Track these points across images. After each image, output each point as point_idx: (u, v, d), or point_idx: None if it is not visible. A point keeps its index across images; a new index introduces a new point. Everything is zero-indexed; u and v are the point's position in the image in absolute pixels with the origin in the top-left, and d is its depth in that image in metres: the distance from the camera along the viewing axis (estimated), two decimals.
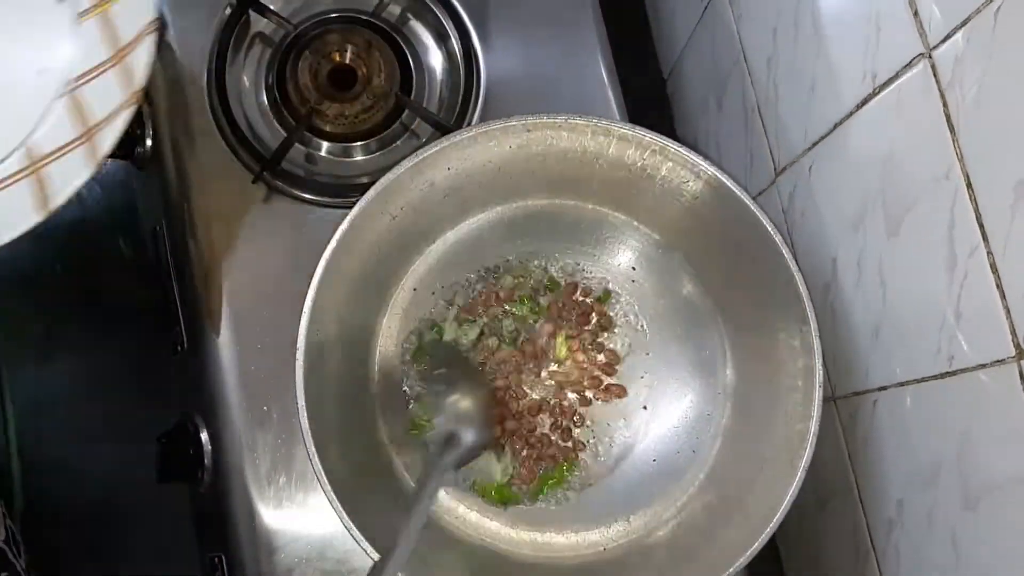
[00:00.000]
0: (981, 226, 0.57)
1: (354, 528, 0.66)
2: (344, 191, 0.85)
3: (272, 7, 0.88)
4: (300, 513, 0.81)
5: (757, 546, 0.67)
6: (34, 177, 0.67)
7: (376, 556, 0.66)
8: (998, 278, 0.56)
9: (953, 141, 0.58)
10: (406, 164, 0.71)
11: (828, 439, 0.82)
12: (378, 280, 0.77)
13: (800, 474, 0.69)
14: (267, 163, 0.83)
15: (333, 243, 0.69)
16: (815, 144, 0.75)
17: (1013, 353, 0.56)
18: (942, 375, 0.64)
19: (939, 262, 0.61)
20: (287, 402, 0.80)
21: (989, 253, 0.57)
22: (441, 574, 0.70)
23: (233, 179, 0.86)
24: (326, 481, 0.66)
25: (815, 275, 0.76)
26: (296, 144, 0.87)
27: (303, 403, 0.68)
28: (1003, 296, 0.56)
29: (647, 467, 0.78)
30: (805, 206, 0.79)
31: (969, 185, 0.58)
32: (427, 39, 0.92)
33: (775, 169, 0.83)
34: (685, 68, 1.03)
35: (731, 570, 0.67)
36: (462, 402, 0.73)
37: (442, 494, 0.77)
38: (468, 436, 0.71)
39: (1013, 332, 0.56)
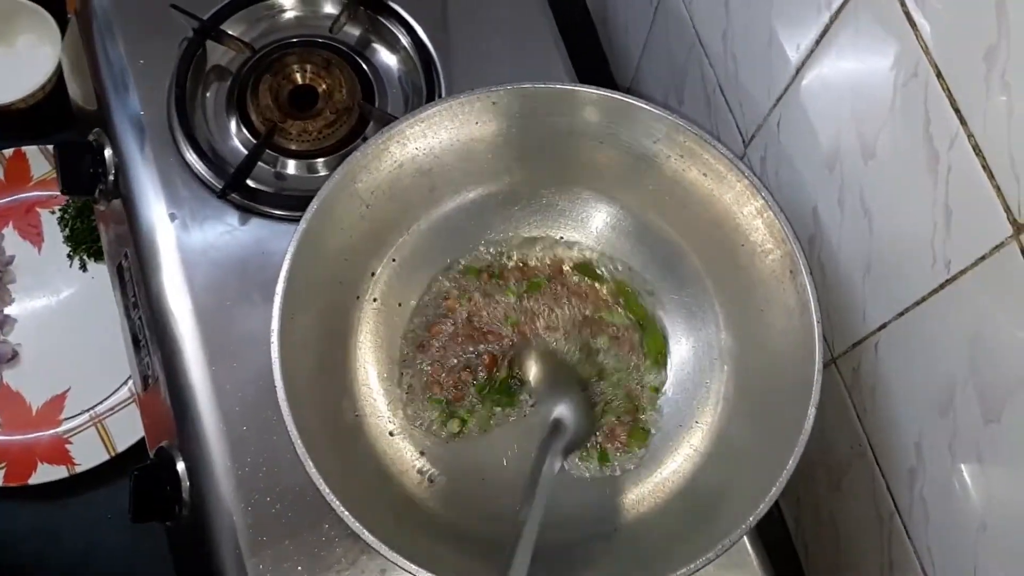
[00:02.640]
0: (957, 112, 0.56)
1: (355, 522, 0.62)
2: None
3: (231, 32, 0.89)
4: (293, 547, 0.75)
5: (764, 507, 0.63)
6: None
7: (373, 542, 0.62)
8: (983, 159, 0.55)
9: (916, 36, 0.58)
10: (372, 142, 0.70)
11: (833, 408, 0.79)
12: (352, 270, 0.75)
13: (807, 424, 0.65)
14: (232, 180, 0.82)
15: (304, 223, 0.67)
16: (779, 98, 0.75)
17: (1010, 232, 0.54)
18: (942, 286, 0.61)
19: (920, 165, 0.60)
20: (266, 422, 0.78)
21: (970, 136, 0.56)
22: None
23: (201, 202, 0.85)
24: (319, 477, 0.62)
25: (799, 232, 0.75)
26: (264, 164, 0.86)
27: (286, 407, 0.64)
28: (991, 176, 0.55)
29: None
30: (779, 165, 0.78)
31: (939, 75, 0.57)
32: (386, 54, 0.93)
33: (744, 141, 0.83)
34: (643, 75, 1.04)
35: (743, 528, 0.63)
36: (569, 390, 0.71)
37: None
38: (573, 424, 0.69)
39: (1007, 209, 0.54)
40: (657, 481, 0.72)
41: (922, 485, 0.69)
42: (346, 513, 0.62)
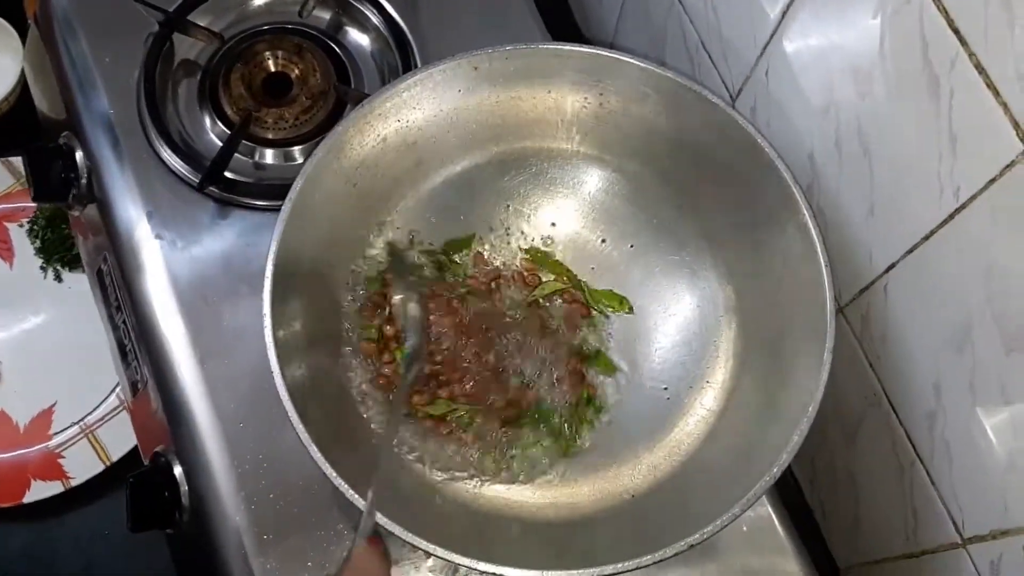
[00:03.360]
0: (956, 32, 0.55)
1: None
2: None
3: (199, 23, 0.86)
4: (300, 543, 0.72)
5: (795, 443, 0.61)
6: None
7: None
8: (987, 77, 0.53)
9: None
10: (353, 116, 0.67)
11: (844, 360, 0.77)
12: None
13: (824, 370, 0.63)
14: (209, 173, 0.80)
15: (290, 198, 0.65)
16: (765, 47, 0.73)
17: (1021, 149, 0.52)
18: (951, 216, 0.60)
19: (920, 93, 0.59)
20: (263, 416, 0.75)
21: (971, 55, 0.54)
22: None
23: (179, 198, 0.82)
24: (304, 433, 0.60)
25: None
26: (241, 156, 0.84)
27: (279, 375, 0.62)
28: (996, 93, 0.53)
29: (659, 398, 0.72)
30: (770, 116, 0.76)
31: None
32: (358, 35, 0.91)
33: (732, 96, 0.81)
34: (621, 41, 1.02)
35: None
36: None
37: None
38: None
39: (1016, 126, 0.52)
40: (671, 445, 0.70)
41: (943, 428, 0.67)
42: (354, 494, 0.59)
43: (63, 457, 1.05)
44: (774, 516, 0.77)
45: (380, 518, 0.58)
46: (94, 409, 1.07)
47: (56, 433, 1.07)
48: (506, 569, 0.57)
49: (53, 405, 1.08)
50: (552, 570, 0.57)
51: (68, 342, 1.10)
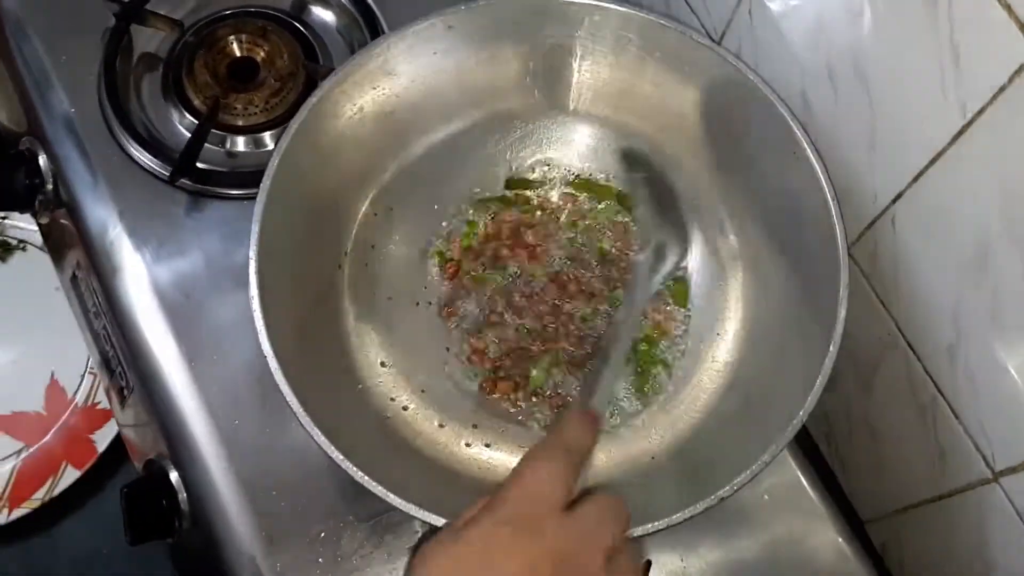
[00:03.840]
0: None
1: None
2: None
3: (159, 12, 0.83)
4: (309, 540, 0.69)
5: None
6: None
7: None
8: None
9: None
10: (326, 86, 0.64)
11: (855, 303, 0.74)
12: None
13: (842, 307, 0.61)
14: (180, 165, 0.76)
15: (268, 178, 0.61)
16: None
17: None
18: (959, 133, 0.57)
19: (916, 6, 0.56)
20: (259, 413, 0.72)
21: None
22: None
23: (151, 194, 0.79)
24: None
25: None
26: (212, 145, 0.81)
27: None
28: None
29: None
30: (756, 57, 0.74)
31: None
32: (322, 11, 0.88)
33: (715, 41, 0.79)
34: None
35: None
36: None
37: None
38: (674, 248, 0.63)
39: (1022, 28, 0.50)
40: (688, 401, 0.67)
41: (965, 360, 0.65)
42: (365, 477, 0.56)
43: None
44: (802, 478, 0.75)
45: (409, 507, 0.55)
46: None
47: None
48: None
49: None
50: None
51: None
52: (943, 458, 0.71)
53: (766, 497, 0.72)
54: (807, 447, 0.89)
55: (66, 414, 1.10)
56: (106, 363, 0.80)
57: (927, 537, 0.77)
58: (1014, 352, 0.60)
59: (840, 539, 0.74)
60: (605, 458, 0.65)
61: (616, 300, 0.70)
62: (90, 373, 1.11)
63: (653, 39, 0.67)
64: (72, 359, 1.11)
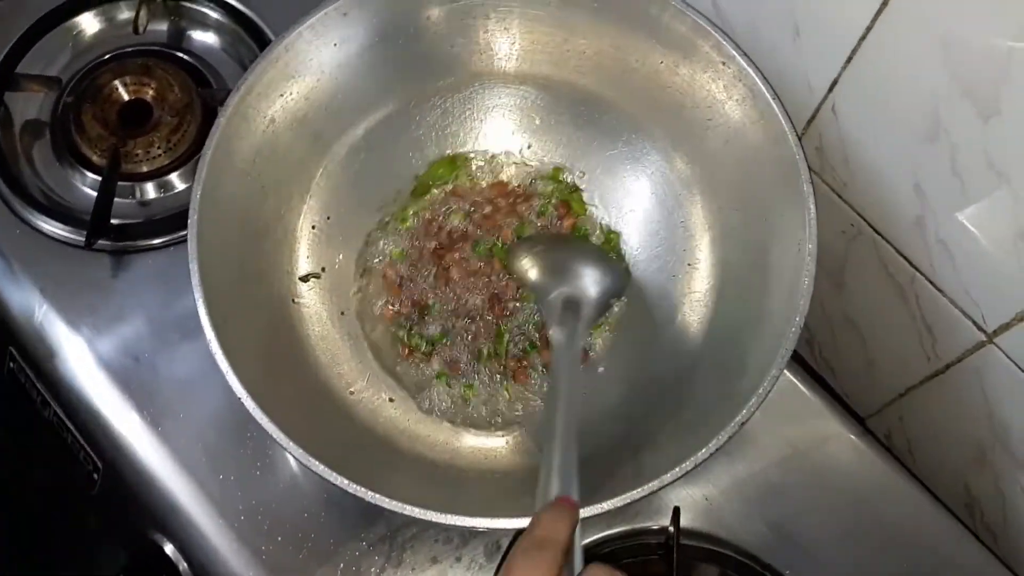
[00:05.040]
0: None
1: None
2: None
3: (32, 72, 0.78)
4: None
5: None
6: None
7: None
8: None
9: None
10: (231, 103, 0.60)
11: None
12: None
13: (809, 202, 0.59)
14: (93, 227, 0.72)
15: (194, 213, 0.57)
16: None
17: None
18: (884, 3, 0.56)
19: None
20: (241, 460, 0.68)
21: None
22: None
23: (71, 264, 0.74)
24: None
25: None
26: (122, 198, 0.77)
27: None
28: None
29: (652, 298, 0.67)
30: None
31: None
32: (202, 35, 0.84)
33: None
34: None
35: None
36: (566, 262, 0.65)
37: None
38: (590, 290, 0.63)
39: None
40: (680, 338, 0.65)
41: (935, 229, 0.64)
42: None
43: None
44: (800, 386, 0.74)
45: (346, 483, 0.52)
46: None
47: None
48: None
49: None
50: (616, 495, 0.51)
51: None
52: (932, 333, 0.71)
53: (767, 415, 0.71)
54: (792, 358, 0.89)
55: None
56: (67, 451, 0.75)
57: (931, 417, 0.77)
58: (984, 205, 0.59)
59: (852, 435, 0.73)
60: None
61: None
62: None
63: None
64: None
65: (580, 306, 0.61)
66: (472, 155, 0.71)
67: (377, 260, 0.69)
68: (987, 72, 0.53)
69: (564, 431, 0.51)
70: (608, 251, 0.70)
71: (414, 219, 0.69)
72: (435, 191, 0.70)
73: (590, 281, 0.64)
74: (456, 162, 0.71)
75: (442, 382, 0.66)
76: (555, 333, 0.59)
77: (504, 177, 0.72)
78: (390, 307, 0.68)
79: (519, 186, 0.71)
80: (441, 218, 0.70)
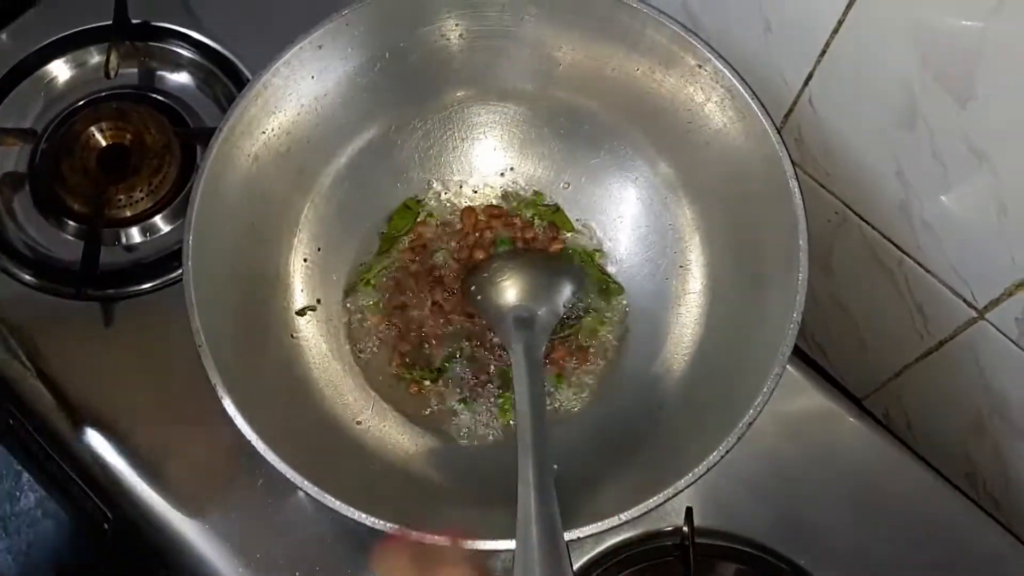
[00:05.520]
0: None
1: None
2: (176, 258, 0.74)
3: (5, 126, 0.77)
4: None
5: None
6: None
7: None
8: None
9: None
10: (216, 144, 0.60)
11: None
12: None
13: (796, 195, 0.60)
14: (82, 278, 0.72)
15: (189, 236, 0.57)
16: None
17: None
18: None
19: None
20: (248, 493, 0.68)
21: None
22: None
23: (62, 316, 0.74)
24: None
25: None
26: (109, 246, 0.76)
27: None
28: None
29: (646, 303, 0.68)
30: None
31: None
32: (175, 75, 0.83)
33: None
34: None
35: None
36: (512, 284, 0.66)
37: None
38: (539, 303, 0.65)
39: None
40: (675, 341, 0.66)
41: (920, 211, 0.65)
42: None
43: None
44: (790, 368, 0.74)
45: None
46: None
47: None
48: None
49: None
50: (633, 505, 0.52)
51: None
52: (923, 313, 0.72)
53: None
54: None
55: None
56: (71, 501, 0.74)
57: (928, 393, 0.78)
58: (967, 186, 0.60)
59: (851, 417, 0.74)
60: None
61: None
62: None
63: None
64: None
65: (533, 320, 0.63)
66: (429, 195, 0.73)
67: (358, 317, 0.69)
68: (960, 55, 0.54)
69: (535, 443, 0.53)
70: (572, 256, 0.71)
71: (383, 275, 0.70)
72: (398, 245, 0.71)
73: (538, 294, 0.66)
74: (410, 206, 0.72)
75: (466, 407, 0.67)
76: (513, 349, 0.61)
77: (486, 202, 0.73)
78: (393, 363, 0.68)
79: (497, 210, 0.72)
80: (415, 267, 0.70)
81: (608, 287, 0.70)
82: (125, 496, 0.70)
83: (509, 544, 0.52)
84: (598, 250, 0.71)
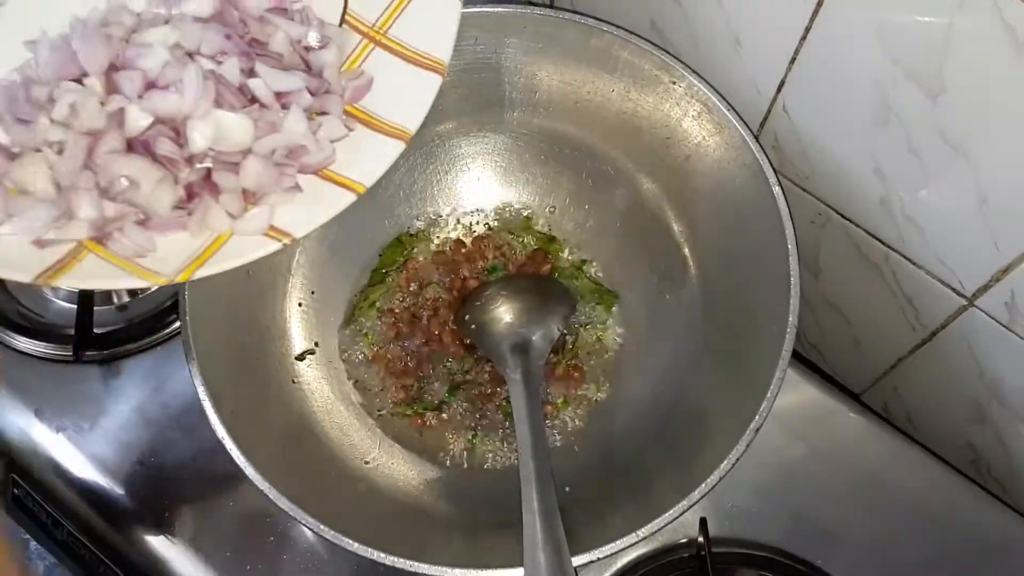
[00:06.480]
0: None
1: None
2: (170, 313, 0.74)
3: None
4: None
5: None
6: None
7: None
8: None
9: None
10: None
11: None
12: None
13: (781, 205, 0.61)
14: (79, 340, 0.71)
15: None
16: None
17: None
18: (818, 5, 0.58)
19: None
20: (260, 543, 0.68)
21: None
22: None
23: (61, 380, 0.74)
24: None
25: None
26: (101, 307, 0.76)
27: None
28: None
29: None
30: (595, 4, 0.74)
31: None
32: None
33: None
34: None
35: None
36: (505, 314, 0.67)
37: None
38: (532, 329, 0.66)
39: None
40: (673, 353, 0.67)
41: (902, 206, 0.66)
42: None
43: None
44: (800, 378, 0.75)
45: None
46: None
47: None
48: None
49: None
50: (649, 520, 0.52)
51: None
52: (913, 305, 0.73)
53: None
54: None
55: None
56: (83, 565, 0.74)
57: (925, 384, 0.78)
58: (946, 177, 0.61)
59: (851, 413, 0.75)
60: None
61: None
62: None
63: (498, 29, 0.66)
64: None
65: (528, 345, 0.65)
66: (418, 229, 0.73)
67: (358, 352, 0.70)
68: (927, 52, 0.55)
69: (537, 469, 0.55)
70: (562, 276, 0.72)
71: (379, 311, 0.71)
72: (389, 279, 0.72)
73: (532, 318, 0.67)
74: (402, 240, 0.73)
75: (470, 437, 0.67)
76: (510, 377, 0.62)
77: (474, 232, 0.73)
78: (395, 398, 0.69)
79: (486, 239, 0.73)
80: (409, 300, 0.71)
81: (602, 295, 0.71)
82: (137, 554, 0.69)
83: (519, 573, 0.52)
84: (586, 261, 0.72)
